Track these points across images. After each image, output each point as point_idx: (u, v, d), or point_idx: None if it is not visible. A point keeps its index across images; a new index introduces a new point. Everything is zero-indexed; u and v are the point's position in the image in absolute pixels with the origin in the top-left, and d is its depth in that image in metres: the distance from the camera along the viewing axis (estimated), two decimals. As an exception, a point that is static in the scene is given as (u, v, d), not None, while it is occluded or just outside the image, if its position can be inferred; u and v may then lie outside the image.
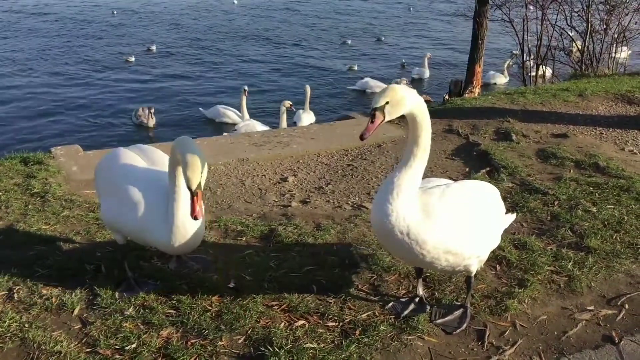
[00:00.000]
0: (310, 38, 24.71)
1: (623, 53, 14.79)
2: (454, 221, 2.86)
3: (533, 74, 14.20)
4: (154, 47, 21.19)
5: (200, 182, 2.85)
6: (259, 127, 11.89)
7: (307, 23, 28.05)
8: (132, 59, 19.54)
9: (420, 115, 2.77)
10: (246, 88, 13.48)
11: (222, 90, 16.94)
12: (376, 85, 16.38)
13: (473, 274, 3.18)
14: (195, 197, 2.84)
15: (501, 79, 18.00)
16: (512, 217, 3.51)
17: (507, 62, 18.55)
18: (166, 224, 3.03)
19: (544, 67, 14.40)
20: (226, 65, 19.76)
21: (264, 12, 30.65)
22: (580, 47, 13.96)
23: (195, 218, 2.86)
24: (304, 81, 16.67)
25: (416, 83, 17.86)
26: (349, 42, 23.72)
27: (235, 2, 32.46)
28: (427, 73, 18.70)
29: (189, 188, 2.86)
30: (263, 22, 27.85)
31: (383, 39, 24.69)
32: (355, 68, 19.38)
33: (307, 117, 12.87)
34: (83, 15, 27.56)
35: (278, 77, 18.66)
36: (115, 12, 28.29)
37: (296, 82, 17.67)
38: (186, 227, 3.03)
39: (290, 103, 12.23)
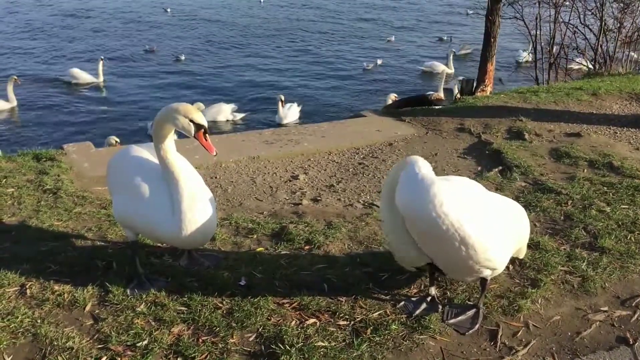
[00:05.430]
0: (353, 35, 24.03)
1: (637, 52, 14.62)
2: (485, 221, 2.88)
3: (546, 74, 14.07)
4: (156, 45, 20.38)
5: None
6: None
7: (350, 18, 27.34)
8: (183, 57, 18.92)
9: None
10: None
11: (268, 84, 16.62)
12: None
13: (488, 279, 3.16)
14: (205, 133, 3.05)
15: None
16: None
17: None
18: (174, 216, 3.09)
19: (556, 65, 14.26)
20: (257, 64, 19.06)
21: (301, 8, 29.94)
22: (593, 45, 13.82)
23: (215, 154, 3.11)
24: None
25: (429, 75, 17.64)
26: (392, 39, 22.76)
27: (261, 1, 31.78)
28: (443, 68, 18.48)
29: (200, 125, 3.03)
30: (301, 18, 27.01)
31: (445, 37, 23.40)
32: (379, 62, 18.71)
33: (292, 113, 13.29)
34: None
35: (313, 76, 18.07)
36: (169, 10, 26.81)
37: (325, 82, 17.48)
38: (194, 218, 3.09)
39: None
